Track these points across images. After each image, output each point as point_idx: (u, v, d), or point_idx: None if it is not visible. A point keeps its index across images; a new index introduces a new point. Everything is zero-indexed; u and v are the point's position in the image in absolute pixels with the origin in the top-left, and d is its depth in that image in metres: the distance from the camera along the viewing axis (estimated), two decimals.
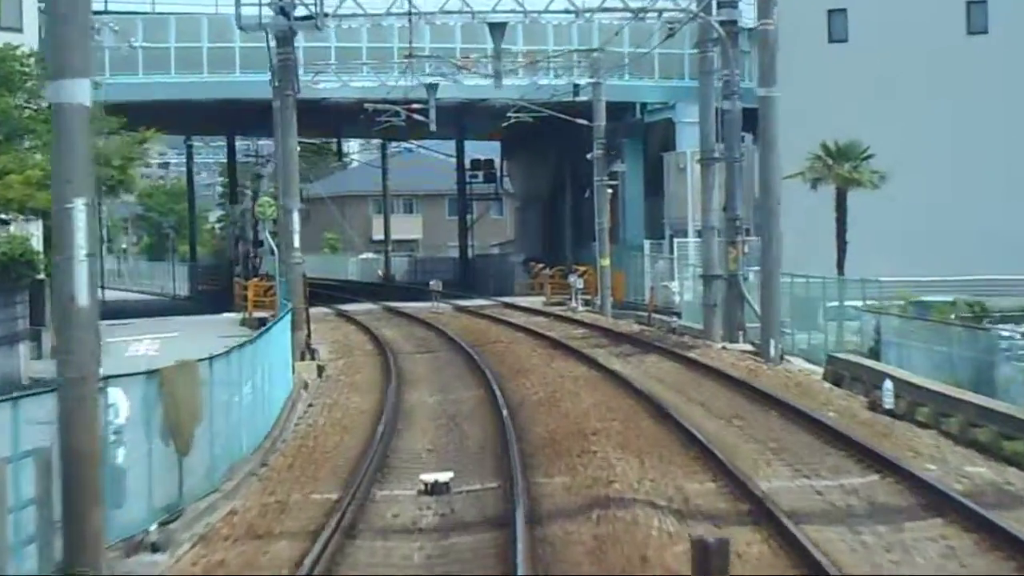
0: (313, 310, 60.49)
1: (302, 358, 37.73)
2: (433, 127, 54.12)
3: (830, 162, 44.34)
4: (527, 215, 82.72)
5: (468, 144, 79.98)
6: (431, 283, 58.31)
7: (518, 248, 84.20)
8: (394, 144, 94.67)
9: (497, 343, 40.85)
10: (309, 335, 44.16)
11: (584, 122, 55.75)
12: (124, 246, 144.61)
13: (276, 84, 39.15)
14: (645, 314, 51.81)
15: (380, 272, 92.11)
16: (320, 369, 37.46)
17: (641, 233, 63.80)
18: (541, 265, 65.57)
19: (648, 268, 57.46)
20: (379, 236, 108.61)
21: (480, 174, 78.63)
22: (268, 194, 56.90)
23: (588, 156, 57.24)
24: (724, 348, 38.37)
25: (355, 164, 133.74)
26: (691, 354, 36.13)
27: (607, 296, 54.53)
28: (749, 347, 38.44)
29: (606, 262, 55.05)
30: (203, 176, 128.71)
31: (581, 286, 56.02)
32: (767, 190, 36.44)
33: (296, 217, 38.88)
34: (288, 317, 35.61)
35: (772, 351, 36.01)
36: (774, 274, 36.60)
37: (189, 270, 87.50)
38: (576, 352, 37.53)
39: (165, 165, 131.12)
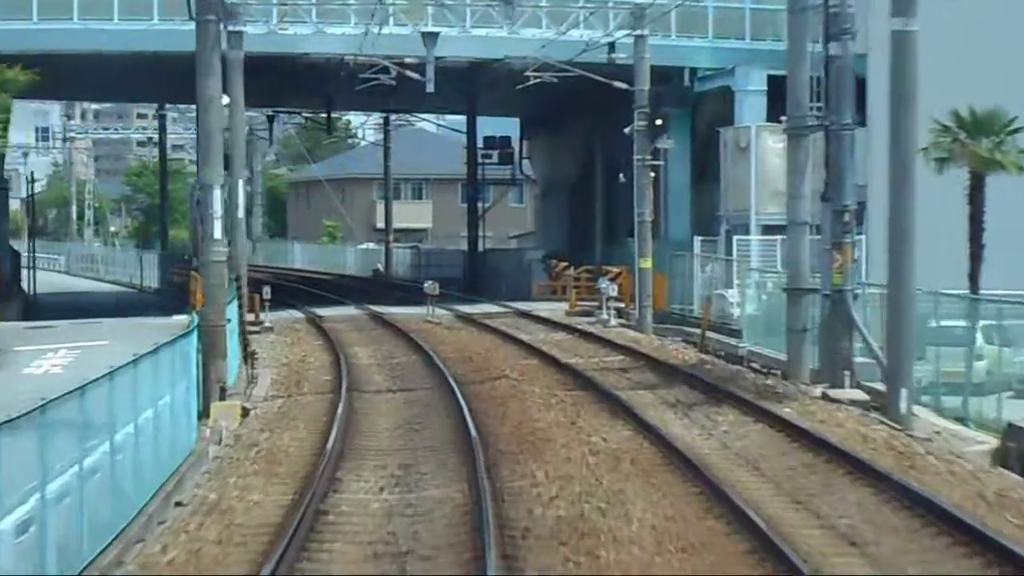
0: (284, 314, 49.30)
1: (221, 397, 26.30)
2: (430, 87, 42.52)
3: (963, 136, 32.48)
4: (549, 204, 71.07)
5: (484, 122, 68.38)
6: (425, 285, 46.66)
7: (538, 242, 72.56)
8: (403, 120, 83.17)
9: (501, 378, 29.16)
10: (248, 359, 32.74)
11: (622, 85, 44.04)
12: (113, 229, 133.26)
13: (193, 6, 27.44)
14: (695, 330, 40.35)
15: (379, 266, 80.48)
16: (244, 413, 26.04)
17: (686, 228, 52.19)
18: (564, 264, 53.94)
19: (697, 271, 45.73)
20: (381, 223, 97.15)
21: (495, 154, 66.90)
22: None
23: (625, 131, 45.56)
24: (826, 397, 26.63)
25: (364, 144, 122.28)
26: (784, 409, 24.49)
27: (647, 307, 42.89)
28: (860, 394, 26.78)
29: (647, 263, 43.41)
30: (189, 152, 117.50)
31: (615, 294, 44.31)
32: (901, 166, 24.71)
33: (219, 196, 27.24)
34: (190, 340, 24.04)
35: (902, 406, 24.39)
36: (906, 289, 24.95)
37: (159, 260, 75.98)
38: (613, 398, 25.93)
39: (145, 142, 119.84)
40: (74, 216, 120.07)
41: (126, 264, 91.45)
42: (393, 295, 57.67)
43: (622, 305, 45.66)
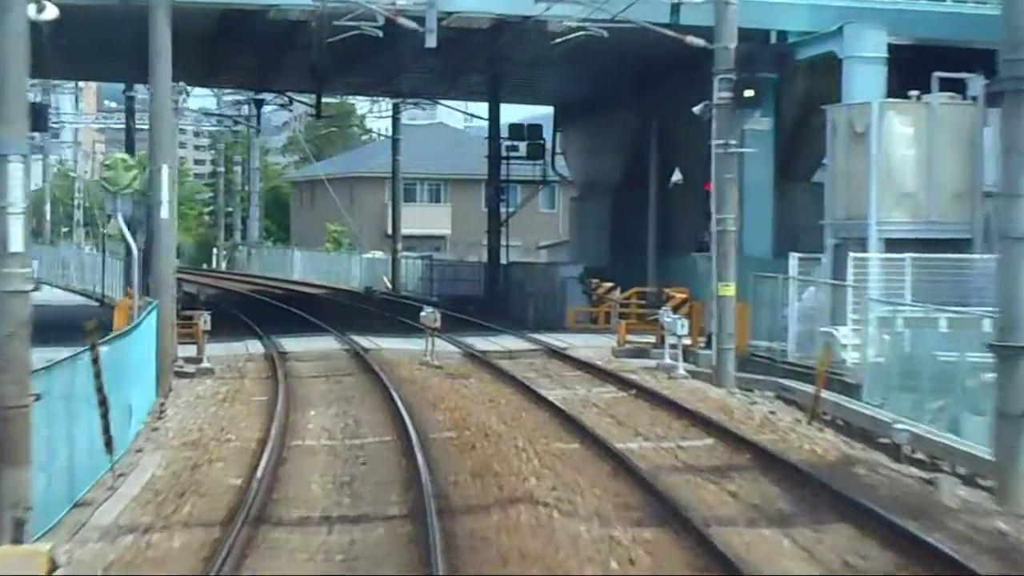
0: (240, 347, 37.45)
1: (16, 537, 14.55)
2: (431, 40, 30.76)
3: None
4: (587, 208, 59.08)
5: (510, 113, 56.74)
6: (423, 314, 34.46)
7: (573, 254, 60.60)
8: (415, 104, 71.27)
9: (522, 501, 16.91)
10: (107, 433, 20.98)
11: (699, 41, 32.08)
12: (106, 231, 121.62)
13: None
14: (793, 383, 28.59)
15: (386, 279, 68.54)
16: (50, 570, 14.17)
17: (767, 241, 40.44)
18: (609, 285, 41.92)
19: (794, 299, 33.64)
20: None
21: (522, 147, 54.96)
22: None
23: (695, 110, 33.58)
24: None
25: (377, 139, 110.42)
26: None
27: (729, 350, 30.88)
28: None
29: (729, 289, 31.35)
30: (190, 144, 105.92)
31: (684, 331, 32.16)
32: None
33: (17, 175, 15.27)
34: None
35: None
36: None
37: (123, 267, 64.01)
38: (728, 563, 13.89)
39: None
40: (48, 217, 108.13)
41: (95, 271, 79.84)
42: (391, 319, 45.78)
43: (687, 342, 33.57)
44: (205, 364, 32.13)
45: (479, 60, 48.06)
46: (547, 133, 58.44)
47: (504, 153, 53.36)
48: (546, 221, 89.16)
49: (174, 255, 32.09)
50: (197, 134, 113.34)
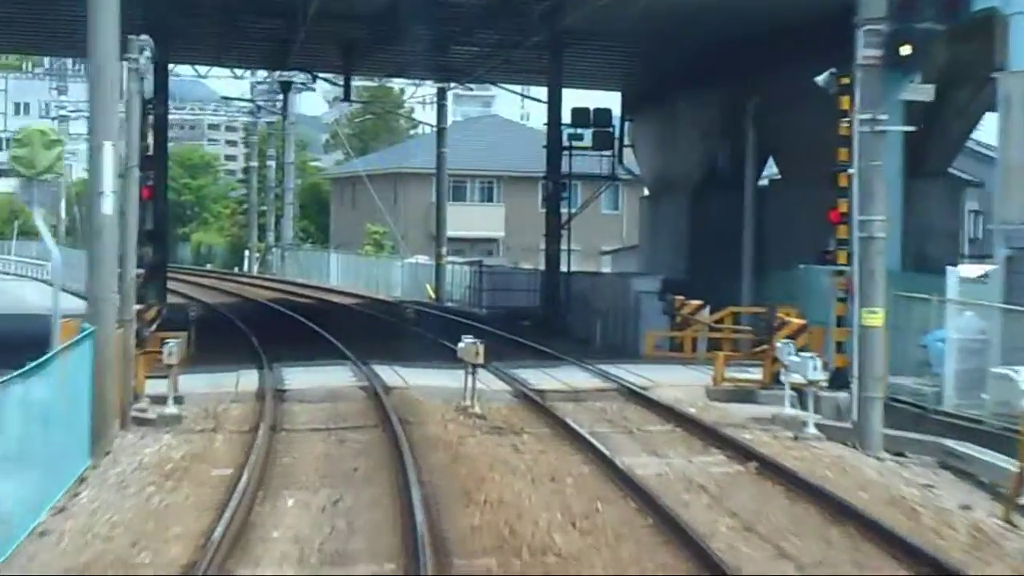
0: (231, 381, 29.59)
1: None
2: None
3: None
4: (660, 210, 50.89)
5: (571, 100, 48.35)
6: (461, 346, 26.06)
7: (643, 262, 52.41)
8: (468, 92, 63.31)
9: None
10: None
11: None
12: None
13: None
14: (964, 447, 20.75)
15: (429, 288, 60.53)
16: None
17: (896, 248, 32.12)
18: (696, 303, 33.51)
19: (951, 326, 25.35)
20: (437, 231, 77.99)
21: (586, 136, 46.73)
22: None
23: (818, 80, 25.56)
24: None
25: (425, 133, 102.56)
26: None
27: (875, 399, 22.63)
28: None
29: (878, 319, 23.05)
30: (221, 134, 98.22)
31: (818, 374, 23.74)
32: None
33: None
34: None
35: None
36: None
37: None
38: None
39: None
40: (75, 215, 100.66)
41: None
42: (429, 341, 37.75)
43: (804, 380, 25.19)
44: (170, 409, 24.16)
45: (538, 33, 40.35)
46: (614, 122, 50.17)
47: (566, 143, 45.12)
48: (608, 224, 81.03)
49: (133, 262, 24.13)
50: (229, 128, 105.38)
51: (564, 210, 45.55)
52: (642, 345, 34.91)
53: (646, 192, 54.96)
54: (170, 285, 69.79)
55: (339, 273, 75.24)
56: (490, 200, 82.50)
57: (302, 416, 24.79)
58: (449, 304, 58.44)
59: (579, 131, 46.30)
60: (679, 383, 28.75)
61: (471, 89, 63.15)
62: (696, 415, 24.82)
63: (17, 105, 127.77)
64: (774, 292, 34.89)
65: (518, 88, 59.36)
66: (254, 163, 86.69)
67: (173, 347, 24.72)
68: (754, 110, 39.12)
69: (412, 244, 75.22)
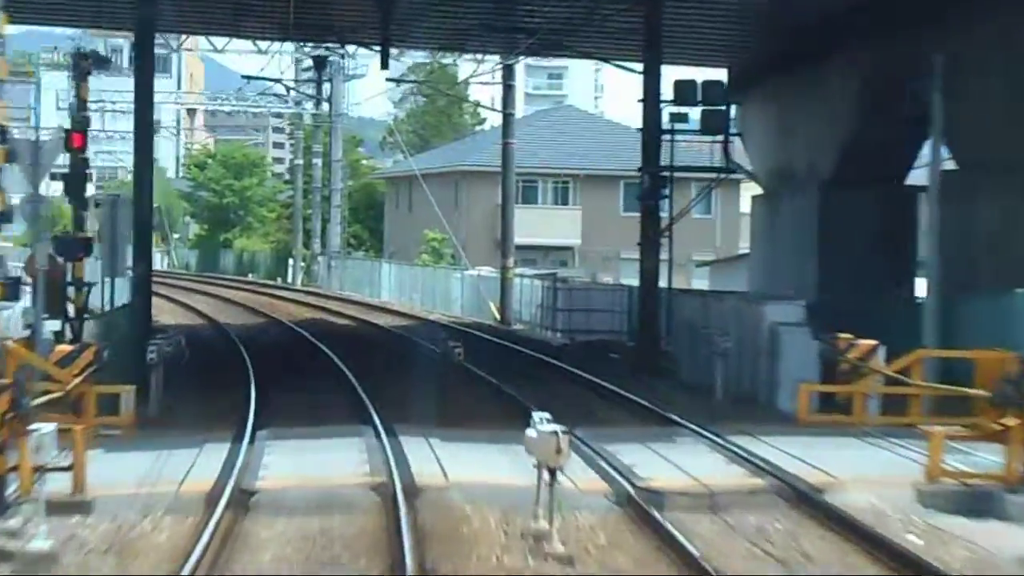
0: (175, 462, 19.54)
1: None
2: None
3: None
4: (780, 212, 40.84)
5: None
6: (529, 435, 15.89)
7: (758, 277, 42.41)
8: (538, 59, 53.19)
9: None
10: None
11: None
12: (177, 235, 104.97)
13: None
14: None
15: (493, 306, 50.65)
16: None
17: None
18: (868, 343, 23.24)
19: None
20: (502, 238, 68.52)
21: (692, 116, 36.68)
22: None
23: None
24: None
25: (494, 126, 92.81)
26: None
27: None
28: None
29: None
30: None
31: None
32: None
33: None
34: None
35: None
36: None
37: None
38: None
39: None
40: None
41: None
42: (487, 389, 27.91)
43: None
44: (37, 544, 14.34)
45: None
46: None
47: (667, 125, 35.15)
48: (699, 230, 70.75)
49: None
50: (277, 129, 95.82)
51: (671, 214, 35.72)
52: (786, 400, 24.87)
53: (758, 190, 44.80)
54: (193, 300, 60.68)
55: (392, 286, 65.50)
56: (564, 202, 72.42)
57: (268, 548, 14.96)
58: (516, 327, 48.52)
59: (680, 112, 36.29)
60: (868, 475, 18.67)
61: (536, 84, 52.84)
62: (920, 549, 14.77)
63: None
64: (969, 326, 24.83)
65: (591, 65, 49.25)
66: (299, 161, 77.13)
67: (45, 436, 14.84)
68: (910, 80, 28.88)
69: (475, 253, 65.37)
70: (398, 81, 47.84)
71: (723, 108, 36.57)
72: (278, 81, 58.47)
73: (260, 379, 28.02)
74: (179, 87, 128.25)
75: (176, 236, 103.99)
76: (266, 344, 38.50)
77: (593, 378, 29.48)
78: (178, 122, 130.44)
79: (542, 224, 69.46)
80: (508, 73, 48.20)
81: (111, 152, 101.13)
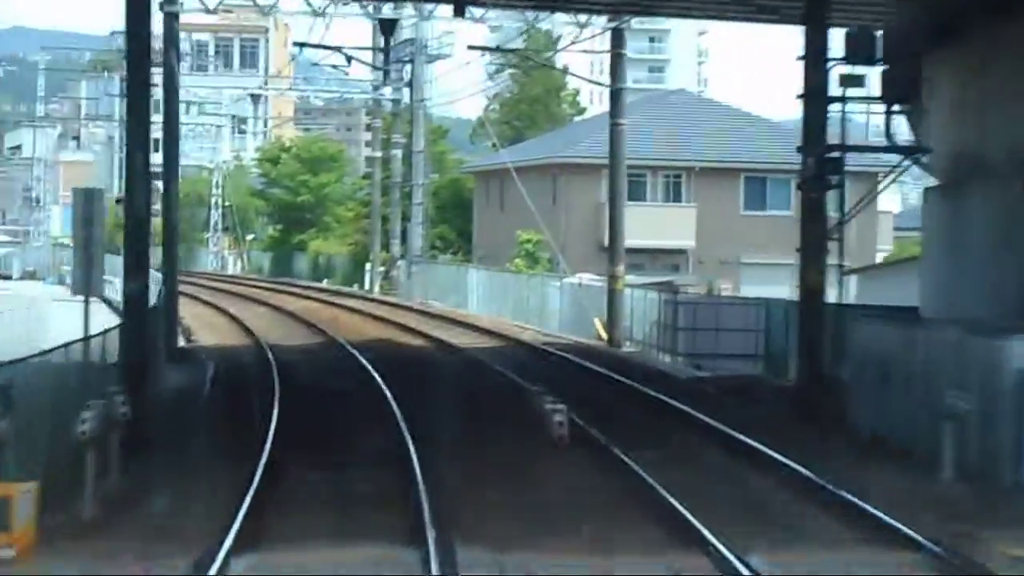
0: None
1: None
2: None
3: None
4: (967, 209, 31.52)
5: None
6: None
7: (935, 292, 33.17)
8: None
9: None
10: None
11: None
12: (251, 237, 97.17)
13: None
14: None
15: (599, 324, 41.95)
16: None
17: None
18: None
19: None
20: (610, 242, 60.04)
21: (867, 79, 27.71)
22: None
23: None
24: None
25: (592, 115, 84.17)
26: None
27: None
28: None
29: None
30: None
31: None
32: None
33: None
34: None
35: None
36: None
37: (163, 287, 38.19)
38: None
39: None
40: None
41: None
42: (598, 456, 19.27)
43: None
44: None
45: None
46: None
47: (839, 92, 26.32)
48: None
49: None
50: (368, 127, 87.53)
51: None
52: None
53: (933, 180, 35.66)
54: (248, 312, 52.63)
55: (480, 295, 57.01)
56: (676, 199, 63.47)
57: None
58: (627, 349, 39.86)
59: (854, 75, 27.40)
60: None
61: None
62: None
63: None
64: None
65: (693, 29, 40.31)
66: (377, 153, 68.79)
67: None
68: None
69: (574, 257, 56.69)
70: (483, 49, 39.65)
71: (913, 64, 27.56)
72: (337, 50, 50.21)
73: (279, 441, 19.76)
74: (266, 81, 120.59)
75: (251, 237, 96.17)
76: (309, 378, 30.18)
77: (741, 434, 20.85)
78: (266, 120, 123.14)
79: (651, 224, 60.46)
80: (617, 38, 39.47)
81: (201, 148, 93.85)
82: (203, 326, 46.18)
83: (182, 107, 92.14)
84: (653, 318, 40.19)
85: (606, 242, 61.03)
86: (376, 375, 28.86)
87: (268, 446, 19.50)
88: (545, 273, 56.04)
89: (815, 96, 25.89)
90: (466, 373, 31.83)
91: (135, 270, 25.12)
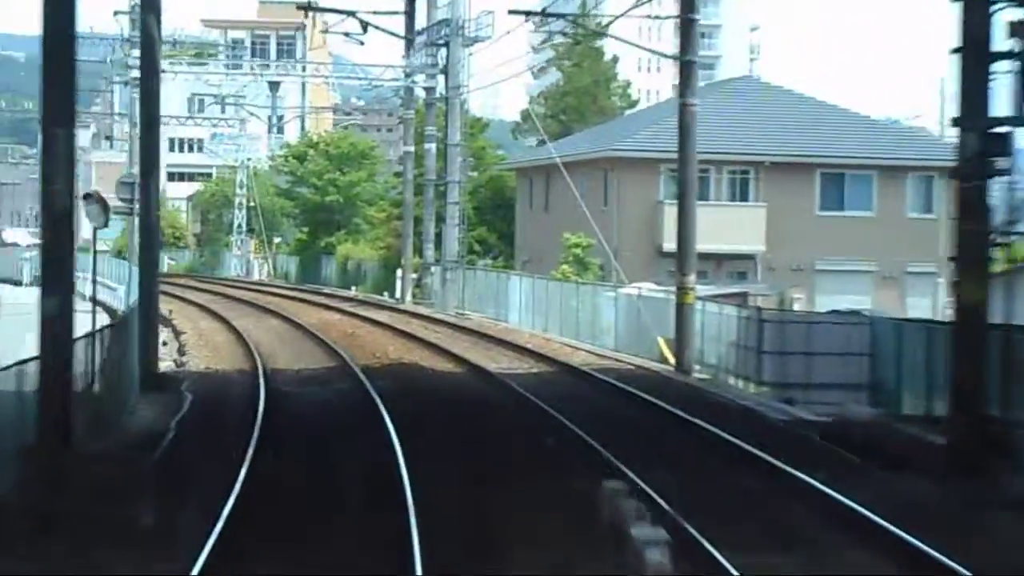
0: None
1: None
2: None
3: None
4: None
5: None
6: None
7: None
8: None
9: None
10: None
11: None
12: (278, 240, 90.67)
13: None
14: None
15: (664, 344, 35.13)
16: None
17: None
18: None
19: None
20: (674, 244, 53.42)
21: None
22: None
23: None
24: None
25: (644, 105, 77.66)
26: None
27: None
28: None
29: None
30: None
31: None
32: None
33: None
34: None
35: None
36: None
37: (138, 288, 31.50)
38: None
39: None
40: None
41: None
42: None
43: None
44: None
45: None
46: None
47: (1007, 46, 19.46)
48: (916, 233, 54.98)
49: None
50: (400, 119, 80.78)
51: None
52: None
53: None
54: (260, 326, 46.34)
55: (523, 305, 50.26)
56: (743, 198, 56.45)
57: None
58: (698, 374, 33.12)
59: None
60: None
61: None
62: None
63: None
64: None
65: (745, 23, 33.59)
66: (409, 147, 62.08)
67: None
68: None
69: (627, 263, 49.91)
70: (526, 14, 33.09)
71: None
72: (351, 14, 43.41)
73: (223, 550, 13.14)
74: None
75: (278, 240, 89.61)
76: (299, 423, 23.56)
77: (911, 538, 14.06)
78: (303, 117, 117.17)
79: (714, 226, 53.40)
80: (687, 2, 32.66)
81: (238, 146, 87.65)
82: (202, 344, 39.75)
83: (215, 107, 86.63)
84: (730, 338, 33.43)
85: (664, 245, 54.49)
86: (384, 415, 22.24)
87: (210, 542, 13.01)
88: (597, 281, 49.29)
89: (975, 49, 19.08)
90: (505, 421, 24.86)
91: (54, 281, 18.61)
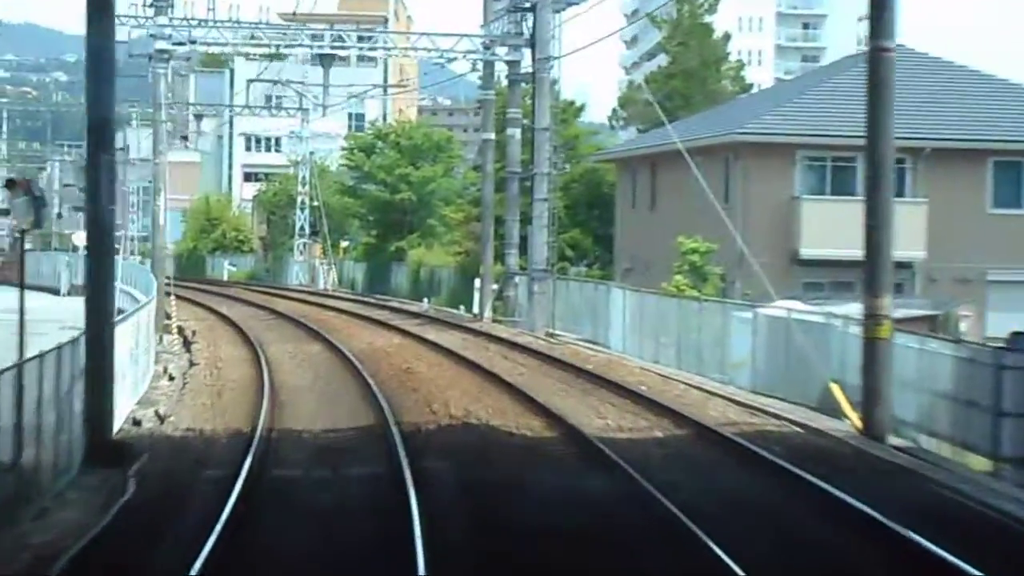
0: None
1: None
2: None
3: None
4: None
5: None
6: None
7: None
8: None
9: None
10: None
11: None
12: (345, 244, 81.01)
13: None
14: None
15: (838, 392, 24.82)
16: None
17: None
18: None
19: None
20: (814, 249, 43.69)
21: None
22: None
23: None
24: None
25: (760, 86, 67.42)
26: None
27: None
28: None
29: None
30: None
31: None
32: None
33: None
34: None
35: None
36: None
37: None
38: None
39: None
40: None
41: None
42: None
43: None
44: None
45: None
46: None
47: None
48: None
49: None
50: (478, 103, 70.57)
51: None
52: None
53: None
54: (298, 351, 36.69)
55: (627, 326, 40.22)
56: (898, 192, 44.89)
57: None
58: (893, 440, 22.90)
59: None
60: None
61: None
62: None
63: None
64: None
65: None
66: (489, 135, 52.19)
67: None
68: None
69: (754, 273, 39.63)
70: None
71: None
72: None
73: None
74: (386, 79, 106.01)
75: (346, 244, 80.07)
76: (289, 554, 13.78)
77: None
78: (385, 115, 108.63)
79: (846, 226, 42.91)
80: None
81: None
82: (210, 384, 30.14)
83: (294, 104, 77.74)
84: (937, 386, 23.20)
85: (801, 252, 44.35)
86: (420, 556, 12.36)
87: None
88: (720, 296, 39.21)
89: None
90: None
91: None
